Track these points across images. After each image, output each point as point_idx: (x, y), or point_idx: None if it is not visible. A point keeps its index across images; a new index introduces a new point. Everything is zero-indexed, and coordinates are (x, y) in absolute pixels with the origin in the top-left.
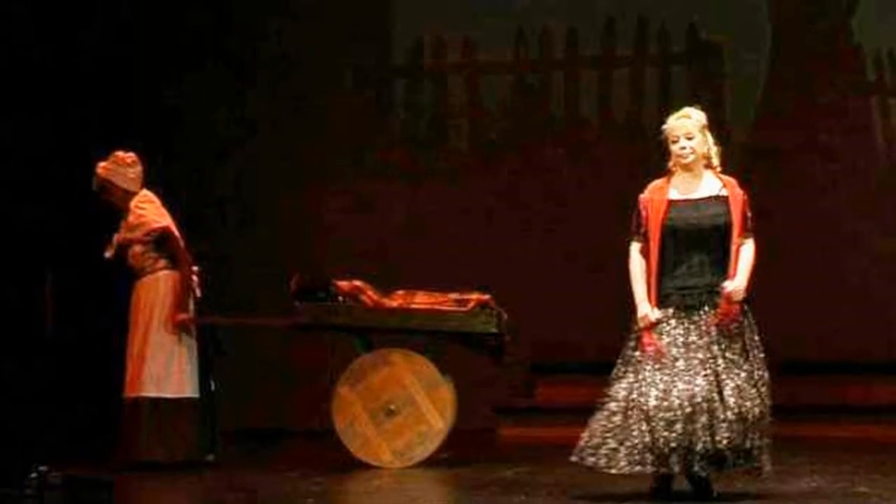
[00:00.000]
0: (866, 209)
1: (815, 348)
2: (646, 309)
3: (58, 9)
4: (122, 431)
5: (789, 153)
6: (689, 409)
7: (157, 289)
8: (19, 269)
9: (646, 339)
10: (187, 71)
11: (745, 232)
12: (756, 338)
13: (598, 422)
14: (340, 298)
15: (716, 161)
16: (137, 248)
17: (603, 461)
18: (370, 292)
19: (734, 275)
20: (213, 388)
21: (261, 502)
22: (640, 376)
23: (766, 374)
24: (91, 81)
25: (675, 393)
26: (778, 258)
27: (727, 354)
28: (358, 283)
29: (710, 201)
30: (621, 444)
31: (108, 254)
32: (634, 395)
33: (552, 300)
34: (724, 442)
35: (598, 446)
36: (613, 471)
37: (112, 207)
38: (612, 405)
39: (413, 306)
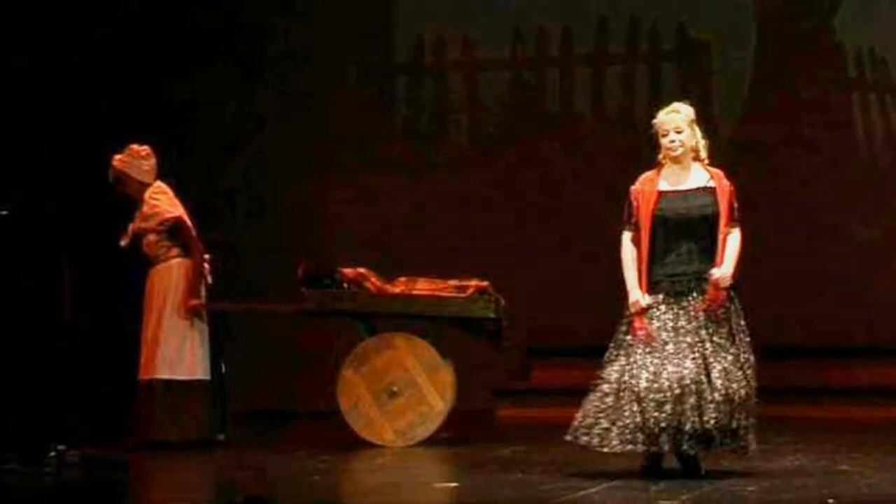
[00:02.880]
0: (847, 200)
1: (798, 332)
2: (637, 295)
3: (72, 9)
4: (137, 412)
5: (774, 146)
6: (678, 391)
7: (171, 276)
8: (37, 258)
9: (637, 324)
10: (198, 68)
11: (731, 221)
12: (742, 322)
13: (592, 403)
14: (345, 285)
15: (704, 154)
16: (151, 237)
17: (596, 440)
18: (374, 279)
19: (721, 262)
20: (223, 370)
21: (269, 480)
22: (632, 359)
23: (752, 357)
24: (105, 79)
25: (664, 375)
26: (763, 247)
27: (714, 338)
28: (362, 270)
29: (699, 192)
30: (613, 424)
31: (123, 242)
32: (626, 378)
33: (548, 287)
34: (712, 422)
35: (591, 426)
36: (606, 449)
37: (127, 198)
38: (605, 387)
39: (414, 292)
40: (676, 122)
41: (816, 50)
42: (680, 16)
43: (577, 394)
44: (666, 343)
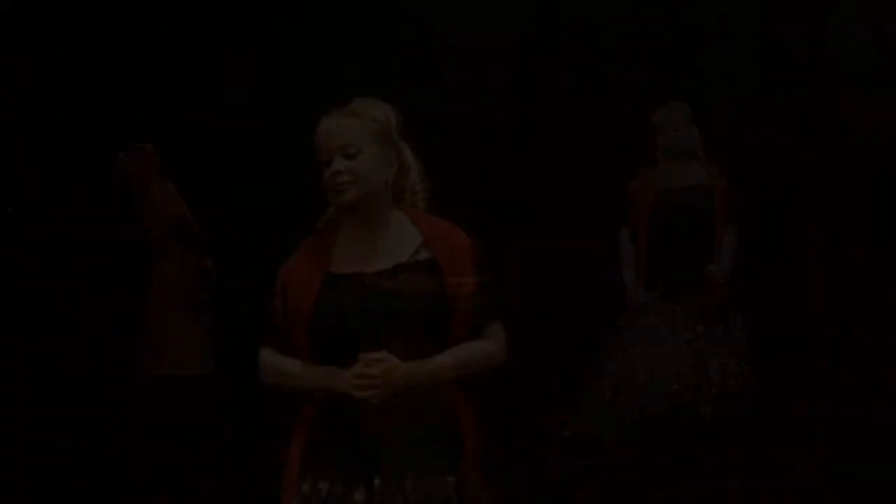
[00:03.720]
0: (845, 197)
1: (795, 328)
2: (634, 292)
3: (74, 9)
4: (140, 408)
5: (771, 144)
6: (675, 386)
7: (174, 272)
8: (42, 254)
9: (635, 320)
10: (201, 67)
11: (728, 219)
12: (738, 318)
13: (590, 398)
14: None
15: (701, 152)
16: (155, 234)
17: (595, 435)
18: None
19: (718, 259)
20: (226, 366)
21: (272, 473)
22: (630, 355)
23: (749, 353)
24: (107, 77)
25: (662, 370)
26: (759, 244)
27: (711, 334)
28: None
29: (696, 190)
30: (611, 418)
31: (127, 239)
32: (624, 373)
33: (546, 284)
34: (708, 417)
35: (589, 421)
36: (604, 444)
37: (131, 196)
38: (603, 382)
39: None
40: (673, 120)
41: (815, 48)
42: (678, 15)
43: (576, 389)
44: (663, 339)
